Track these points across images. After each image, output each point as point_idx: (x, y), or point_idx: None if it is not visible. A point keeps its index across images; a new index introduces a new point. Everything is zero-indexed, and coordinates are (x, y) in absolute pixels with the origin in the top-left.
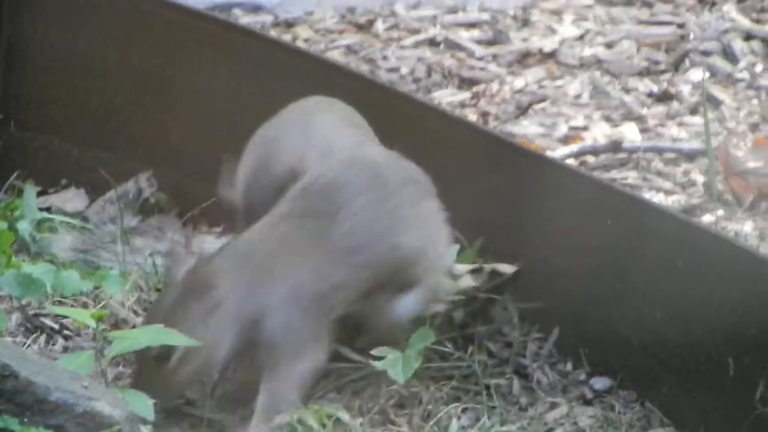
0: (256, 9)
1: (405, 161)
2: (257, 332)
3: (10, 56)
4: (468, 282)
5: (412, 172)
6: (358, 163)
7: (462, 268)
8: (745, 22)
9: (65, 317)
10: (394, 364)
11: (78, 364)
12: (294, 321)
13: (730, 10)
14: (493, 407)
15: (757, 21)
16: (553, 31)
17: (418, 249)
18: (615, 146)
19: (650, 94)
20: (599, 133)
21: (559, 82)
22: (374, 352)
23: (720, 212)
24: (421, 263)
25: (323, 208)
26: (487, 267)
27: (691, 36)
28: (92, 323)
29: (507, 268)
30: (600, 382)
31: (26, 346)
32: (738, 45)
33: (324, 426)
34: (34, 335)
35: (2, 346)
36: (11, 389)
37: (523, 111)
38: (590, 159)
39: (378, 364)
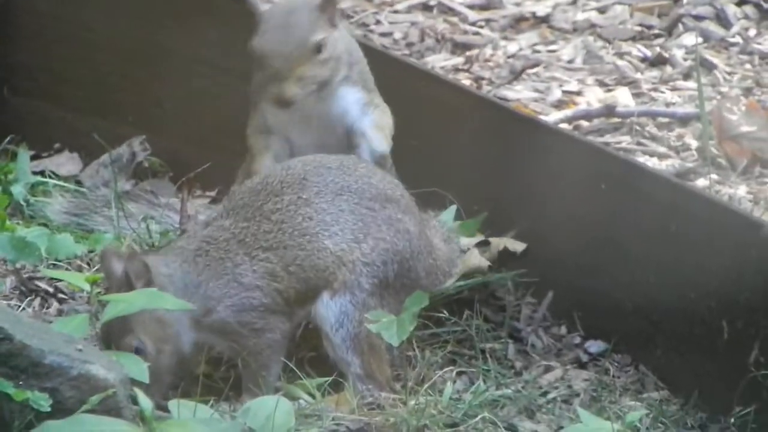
0: None
1: (368, 172)
2: (212, 321)
3: (2, 25)
4: (477, 259)
5: (363, 184)
6: (289, 167)
7: (468, 241)
8: None
9: (60, 280)
10: (389, 327)
11: (72, 327)
12: (240, 305)
13: None
14: (488, 371)
15: None
16: None
17: (339, 254)
18: (608, 111)
19: (643, 59)
20: (593, 97)
21: (552, 47)
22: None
23: (714, 176)
24: (343, 267)
25: (246, 206)
26: (495, 242)
27: (684, 0)
28: (86, 286)
29: (517, 246)
30: (594, 346)
31: (21, 309)
32: (731, 9)
33: (313, 396)
34: (29, 298)
35: None
36: (6, 352)
37: (516, 76)
38: (584, 123)
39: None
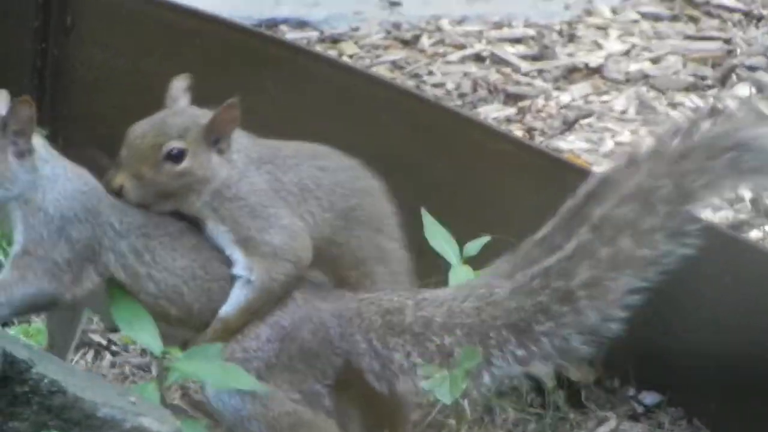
0: (302, 25)
1: None
2: None
3: (57, 76)
4: None
5: None
6: None
7: None
8: None
9: (113, 331)
10: (441, 384)
11: (147, 393)
12: None
13: None
14: (545, 421)
15: None
16: (599, 46)
17: None
18: None
19: (697, 110)
20: None
21: (605, 98)
22: (421, 371)
23: (767, 228)
24: None
25: None
26: None
27: (738, 51)
28: (158, 350)
29: None
30: (649, 397)
31: (74, 361)
32: None
33: None
34: (82, 351)
35: (50, 362)
36: (59, 405)
37: (569, 126)
38: None
39: (425, 384)
